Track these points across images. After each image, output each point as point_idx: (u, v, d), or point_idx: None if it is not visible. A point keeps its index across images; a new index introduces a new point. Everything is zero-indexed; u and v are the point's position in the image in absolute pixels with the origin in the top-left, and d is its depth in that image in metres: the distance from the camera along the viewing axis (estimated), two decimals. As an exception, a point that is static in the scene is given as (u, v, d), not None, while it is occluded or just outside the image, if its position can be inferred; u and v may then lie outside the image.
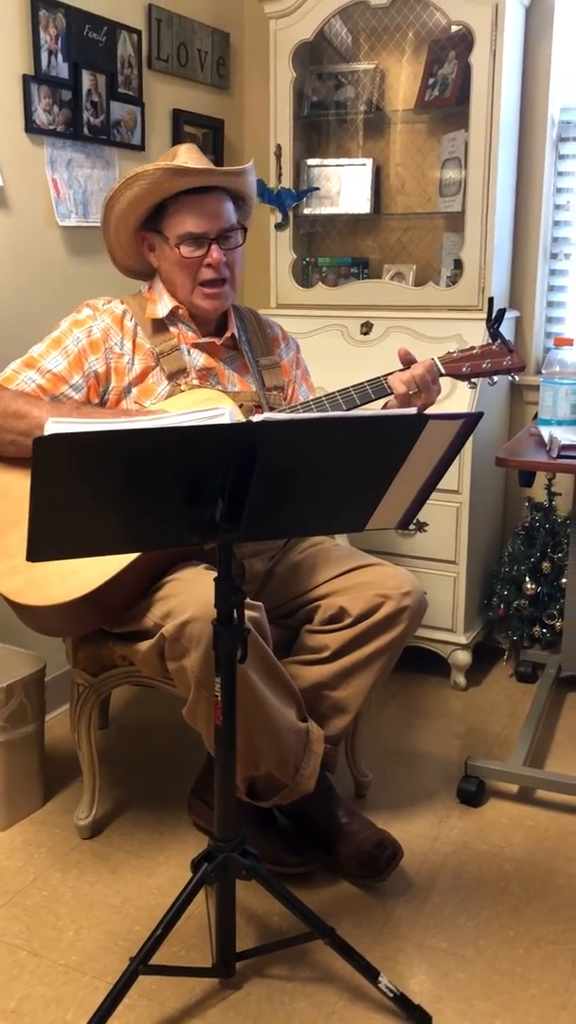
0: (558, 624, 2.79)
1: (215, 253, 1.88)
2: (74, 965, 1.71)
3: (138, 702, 2.71)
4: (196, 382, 1.95)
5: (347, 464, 1.39)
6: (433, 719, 2.65)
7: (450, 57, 2.81)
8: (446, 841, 2.08)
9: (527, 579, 2.80)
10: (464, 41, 2.68)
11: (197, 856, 1.60)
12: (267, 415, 1.30)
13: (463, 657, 2.78)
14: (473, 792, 2.21)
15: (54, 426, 1.23)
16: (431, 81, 2.86)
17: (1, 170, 2.30)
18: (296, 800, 1.87)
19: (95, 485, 1.28)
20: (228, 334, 2.00)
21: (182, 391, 1.93)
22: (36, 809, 2.18)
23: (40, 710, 2.15)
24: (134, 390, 1.93)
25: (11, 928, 1.80)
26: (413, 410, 1.51)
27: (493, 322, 1.96)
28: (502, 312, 1.97)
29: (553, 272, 3.02)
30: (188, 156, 1.88)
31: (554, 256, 3.01)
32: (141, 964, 1.53)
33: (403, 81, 2.96)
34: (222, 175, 1.88)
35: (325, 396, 1.87)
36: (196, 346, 1.98)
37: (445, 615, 2.75)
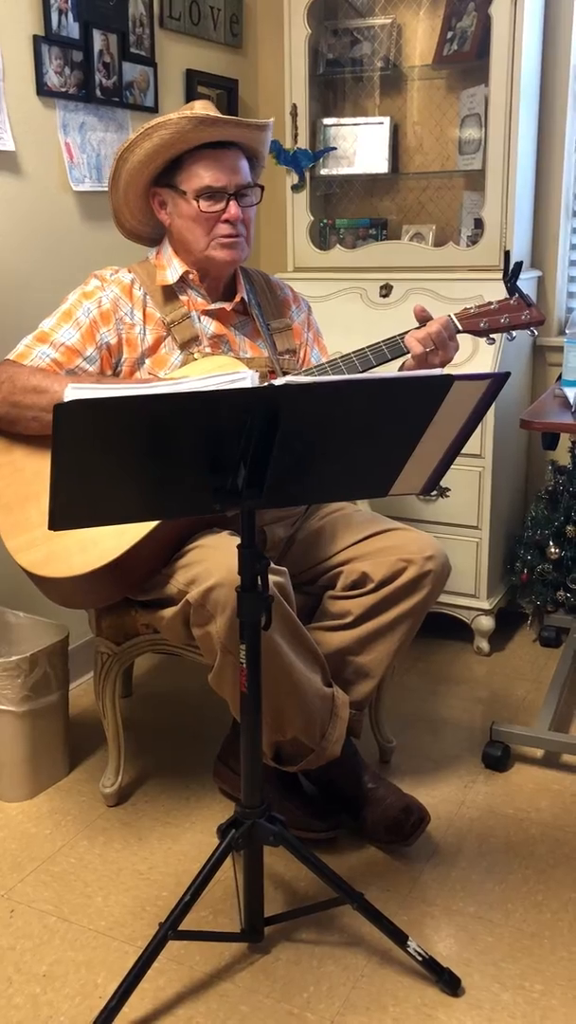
0: (582, 588, 2.76)
1: (233, 208, 1.84)
2: (103, 930, 1.72)
3: (161, 670, 2.71)
4: (208, 350, 1.93)
5: (372, 428, 1.37)
6: (457, 685, 2.64)
7: (469, 9, 2.73)
8: (472, 806, 2.08)
9: (551, 543, 2.77)
10: (484, -8, 2.61)
11: (224, 823, 1.61)
12: (287, 379, 1.28)
13: (486, 622, 2.76)
14: (498, 757, 2.20)
15: (74, 392, 1.21)
16: (449, 35, 2.79)
17: (13, 134, 2.27)
18: (322, 765, 1.87)
19: (116, 452, 1.27)
20: (238, 298, 1.96)
21: (195, 360, 1.90)
22: (62, 777, 2.19)
23: (64, 679, 2.16)
24: (147, 361, 1.91)
25: (41, 894, 1.82)
26: (439, 371, 1.48)
27: (510, 276, 1.91)
28: (519, 265, 1.92)
29: (576, 230, 2.97)
30: (206, 111, 1.84)
31: (576, 214, 2.95)
32: (171, 930, 1.54)
33: (420, 36, 2.89)
34: (247, 127, 1.84)
35: (340, 357, 1.83)
36: (206, 313, 1.95)
37: (468, 580, 2.73)
